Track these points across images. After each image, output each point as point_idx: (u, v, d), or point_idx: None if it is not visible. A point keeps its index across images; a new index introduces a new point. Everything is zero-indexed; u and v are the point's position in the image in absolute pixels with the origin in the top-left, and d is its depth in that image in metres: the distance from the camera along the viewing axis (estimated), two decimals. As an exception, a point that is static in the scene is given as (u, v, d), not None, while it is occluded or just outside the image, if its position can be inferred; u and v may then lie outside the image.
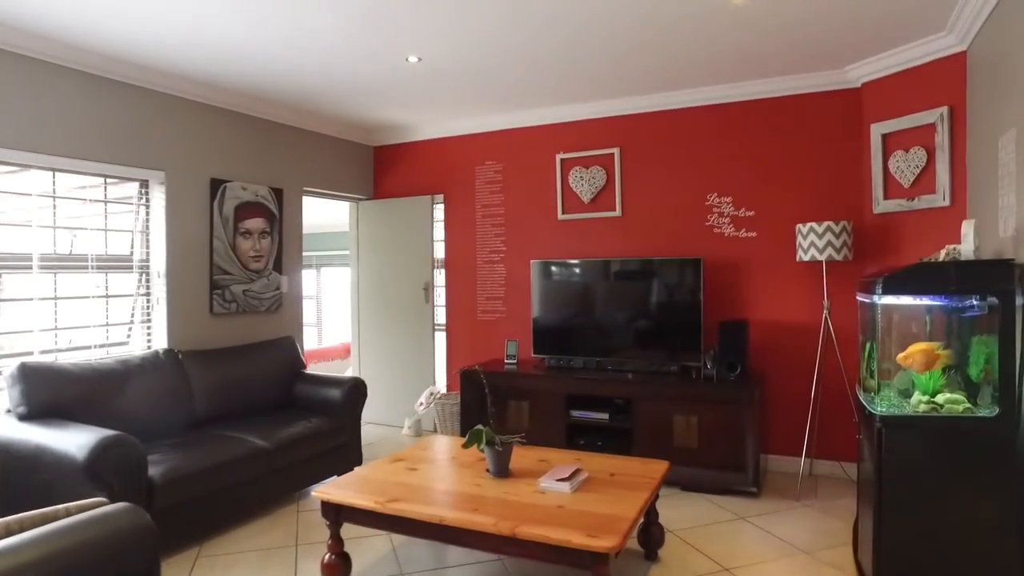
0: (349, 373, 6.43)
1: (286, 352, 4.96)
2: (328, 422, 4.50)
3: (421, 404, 2.82)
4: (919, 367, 2.73)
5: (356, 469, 3.58)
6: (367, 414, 5.88)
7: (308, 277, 11.24)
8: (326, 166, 5.86)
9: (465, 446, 3.09)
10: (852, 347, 4.43)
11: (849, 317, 4.43)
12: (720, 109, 4.84)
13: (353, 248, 6.37)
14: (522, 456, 3.43)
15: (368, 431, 5.98)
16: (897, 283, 2.74)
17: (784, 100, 4.67)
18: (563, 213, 5.42)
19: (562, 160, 5.41)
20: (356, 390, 4.70)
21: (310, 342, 11.09)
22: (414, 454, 3.59)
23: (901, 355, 2.78)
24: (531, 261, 5.29)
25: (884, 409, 2.75)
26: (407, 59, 4.15)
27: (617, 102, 5.12)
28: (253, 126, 5.15)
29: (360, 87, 4.74)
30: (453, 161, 5.91)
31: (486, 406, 5.13)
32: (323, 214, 8.53)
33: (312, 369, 10.01)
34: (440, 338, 6.01)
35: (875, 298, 2.81)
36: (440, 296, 6.04)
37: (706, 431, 4.33)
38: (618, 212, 5.19)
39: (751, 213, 4.76)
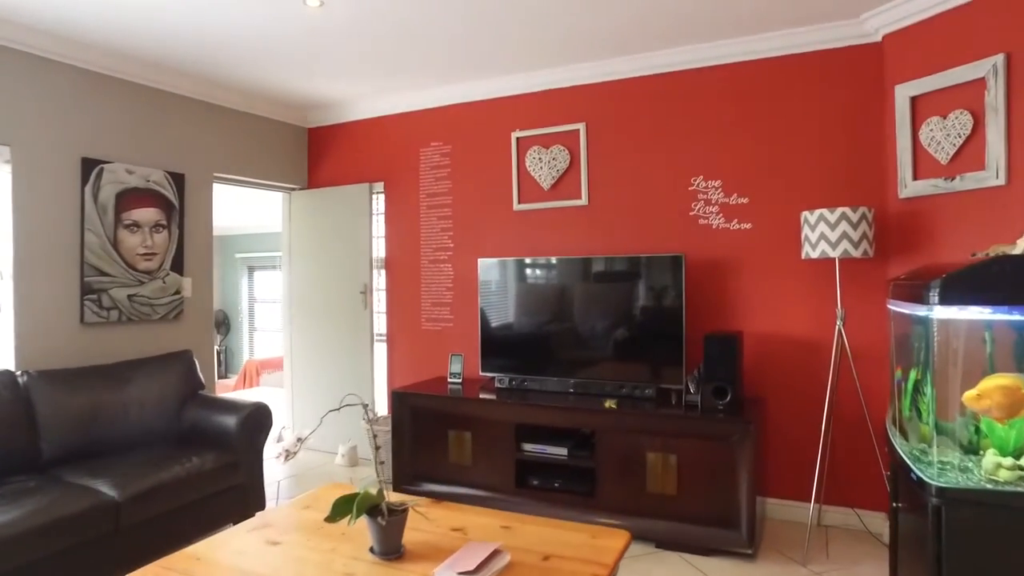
0: (287, 388, 5.46)
1: (180, 370, 3.99)
2: (219, 458, 3.51)
3: (280, 455, 2.02)
4: (1000, 412, 1.76)
5: (191, 548, 2.58)
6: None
7: (271, 279, 10.27)
8: (248, 149, 4.89)
9: (329, 519, 2.12)
10: (875, 366, 3.44)
11: (870, 329, 3.46)
12: (708, 73, 3.87)
13: (285, 246, 5.41)
14: (430, 522, 2.46)
15: (300, 459, 5.01)
16: (967, 287, 1.77)
17: (786, 60, 3.70)
18: (519, 202, 4.45)
19: (518, 139, 4.45)
20: (255, 418, 3.72)
21: (270, 352, 10.12)
22: (288, 517, 2.61)
23: (971, 394, 1.81)
24: (478, 260, 4.33)
25: (942, 478, 1.79)
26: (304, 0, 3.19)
27: (583, 68, 4.15)
28: (142, 97, 4.17)
29: (263, 44, 3.77)
30: (395, 143, 4.95)
31: (423, 435, 4.23)
32: (267, 211, 7.58)
33: (266, 381, 9.10)
34: (381, 350, 5.04)
35: (929, 309, 1.85)
36: (381, 301, 5.08)
37: (688, 473, 3.34)
38: (583, 200, 4.23)
39: (744, 200, 3.80)
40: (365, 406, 2.31)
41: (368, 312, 4.90)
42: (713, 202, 3.86)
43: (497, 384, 4.13)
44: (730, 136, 3.82)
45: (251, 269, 10.45)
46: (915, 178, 3.26)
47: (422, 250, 4.82)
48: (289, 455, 2.39)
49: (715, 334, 3.48)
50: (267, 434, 3.80)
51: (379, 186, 5.01)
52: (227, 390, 8.17)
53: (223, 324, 10.33)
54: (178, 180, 4.33)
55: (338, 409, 2.44)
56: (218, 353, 10.29)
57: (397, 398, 4.12)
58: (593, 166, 4.19)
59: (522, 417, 3.75)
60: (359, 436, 4.93)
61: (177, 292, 4.32)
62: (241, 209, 8.13)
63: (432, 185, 4.78)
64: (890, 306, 2.50)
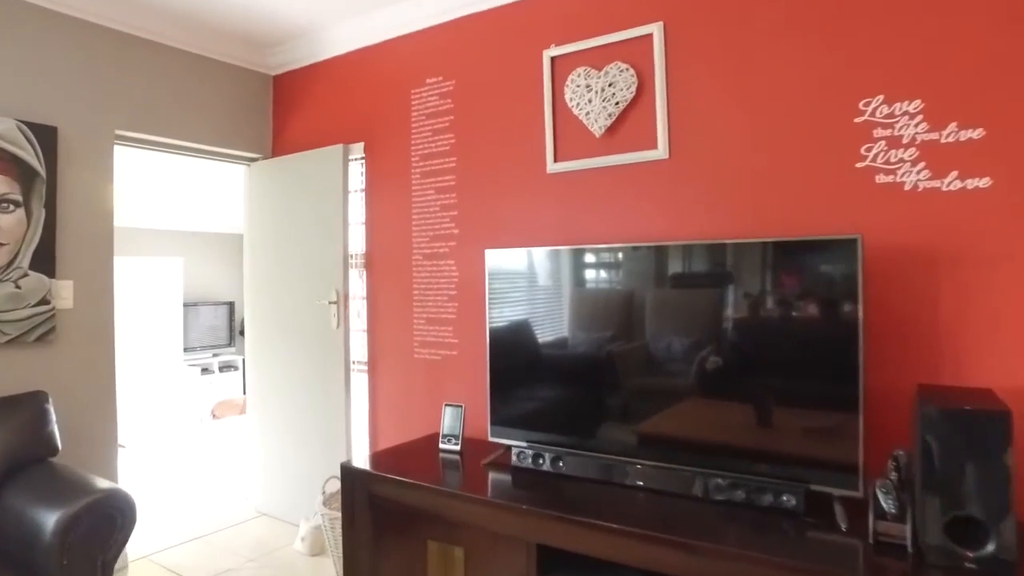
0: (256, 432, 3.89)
1: (15, 426, 2.45)
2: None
3: None
4: None
5: None
6: (262, 501, 3.44)
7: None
8: (183, 101, 3.34)
9: None
10: None
11: None
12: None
13: (246, 240, 3.85)
14: None
15: (256, 529, 3.42)
16: None
17: None
18: (556, 160, 2.70)
19: (554, 60, 2.70)
20: (92, 522, 2.10)
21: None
22: None
23: None
24: (491, 253, 2.62)
25: None
26: None
27: (660, -69, 2.40)
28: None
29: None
30: (378, 85, 3.28)
31: (388, 540, 2.49)
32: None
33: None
34: (362, 383, 3.40)
35: None
36: (362, 315, 3.44)
37: None
38: (661, 151, 2.44)
39: (974, 134, 1.94)
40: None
41: (342, 331, 3.27)
42: (906, 140, 2.01)
43: (515, 460, 2.38)
44: (940, 15, 1.98)
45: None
46: None
47: (414, 240, 3.15)
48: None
49: (940, 393, 1.65)
50: (119, 547, 2.19)
51: (357, 149, 3.36)
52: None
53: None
54: (45, 137, 2.81)
55: None
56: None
57: (349, 479, 2.44)
58: (677, 94, 2.42)
59: (549, 535, 1.97)
60: (330, 508, 3.30)
61: (44, 302, 2.80)
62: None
63: (428, 142, 3.10)
64: None
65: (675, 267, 2.15)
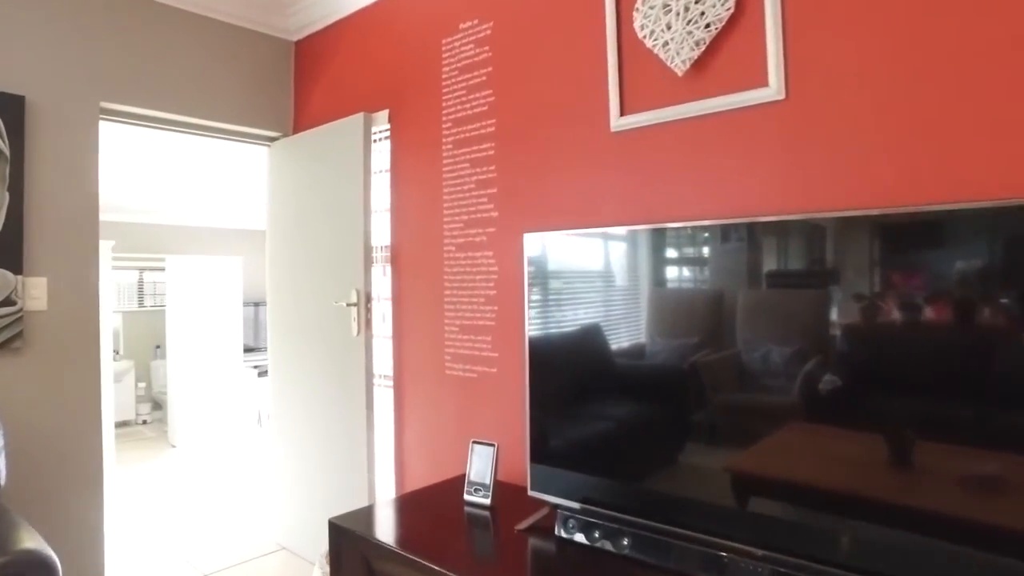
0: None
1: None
2: None
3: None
4: None
5: None
6: (282, 532, 2.90)
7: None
8: (187, 70, 2.82)
9: None
10: None
11: None
12: None
13: (268, 227, 3.31)
14: None
15: (272, 566, 2.88)
16: None
17: None
18: (623, 114, 1.95)
19: (620, -24, 2.00)
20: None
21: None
22: None
23: None
24: (525, 238, 1.91)
25: None
26: None
27: None
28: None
29: None
30: (404, 37, 2.63)
31: None
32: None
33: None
34: (388, 400, 2.77)
35: None
36: (388, 320, 2.81)
37: None
38: (774, 89, 1.65)
39: None
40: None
41: (363, 339, 2.66)
42: None
43: (560, 529, 1.67)
44: None
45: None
46: None
47: (446, 227, 2.49)
48: None
49: None
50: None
51: (381, 118, 2.75)
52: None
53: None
54: (9, 108, 2.33)
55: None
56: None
57: (339, 541, 1.80)
58: (797, 4, 1.65)
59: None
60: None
61: (8, 302, 2.32)
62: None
63: (462, 103, 2.43)
64: None
65: (798, 249, 1.39)
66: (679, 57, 1.79)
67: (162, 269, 6.77)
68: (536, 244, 1.84)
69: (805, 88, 1.60)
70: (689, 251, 1.57)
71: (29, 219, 2.37)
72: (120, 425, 6.42)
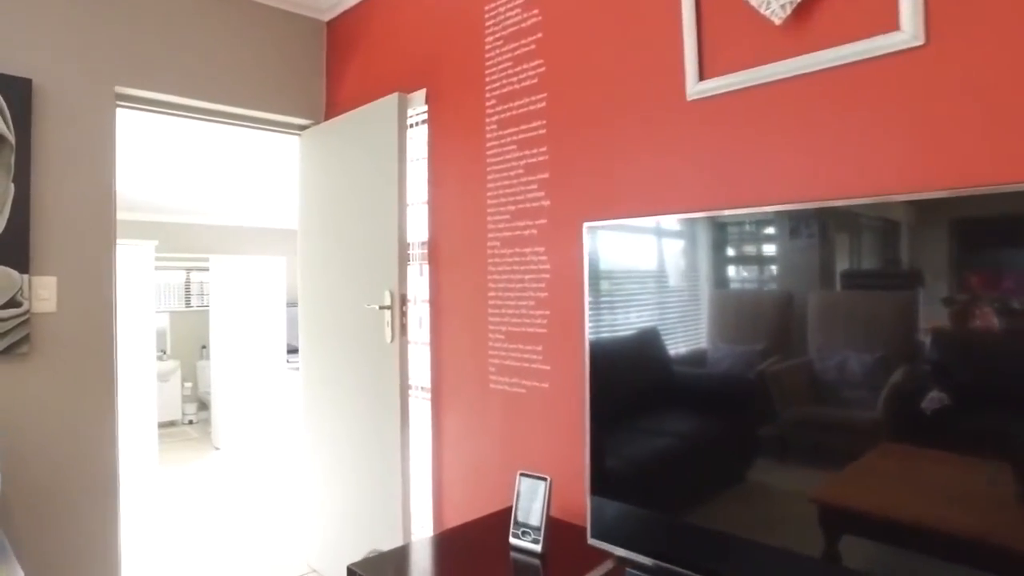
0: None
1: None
2: None
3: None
4: None
5: None
6: (314, 553, 2.72)
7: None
8: (210, 53, 2.57)
9: None
10: None
11: None
12: None
13: (299, 223, 3.05)
14: None
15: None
16: None
17: None
18: (703, 78, 1.58)
19: (700, -91, 1.64)
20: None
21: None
22: None
23: None
24: (584, 228, 1.56)
25: None
26: None
27: None
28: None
29: None
30: (441, 7, 2.29)
31: None
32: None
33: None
34: (425, 413, 2.46)
35: None
36: (424, 324, 2.50)
37: None
38: (909, 33, 1.26)
39: None
40: None
41: (397, 347, 2.36)
42: None
43: (629, 586, 1.34)
44: None
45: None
46: None
47: (490, 219, 2.16)
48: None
49: None
50: None
51: (418, 99, 2.44)
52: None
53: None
54: (15, 91, 2.12)
55: None
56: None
57: (360, 593, 1.51)
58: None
59: None
60: None
61: (14, 303, 2.11)
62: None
63: (508, 76, 2.09)
64: None
65: (960, 234, 1.01)
66: (776, 1, 1.43)
67: (208, 269, 6.67)
68: (597, 236, 1.50)
69: (952, 30, 1.21)
70: (797, 239, 1.21)
71: (37, 213, 2.15)
72: (166, 425, 6.34)
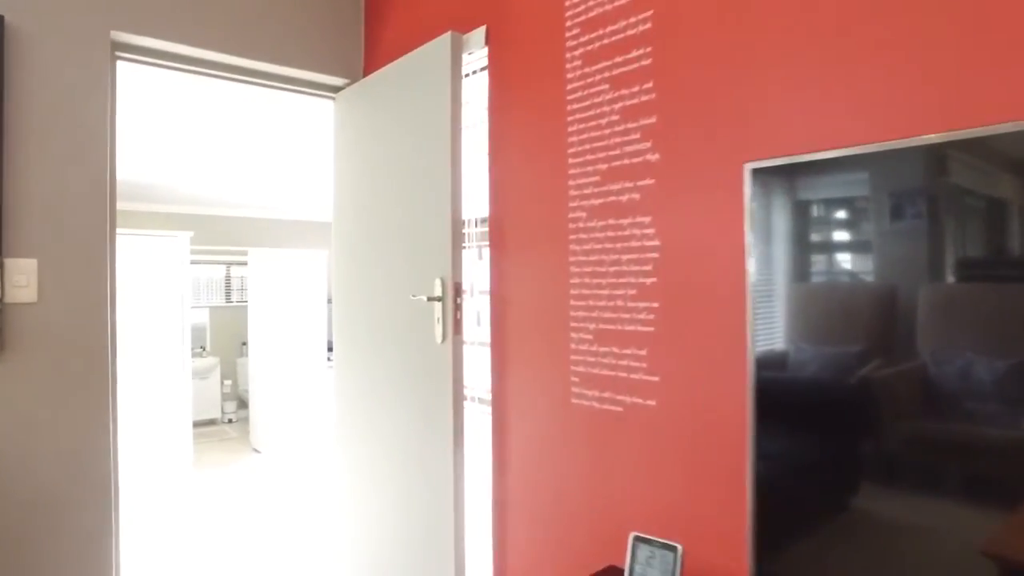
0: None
1: None
2: None
3: None
4: None
5: None
6: None
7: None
8: None
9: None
10: None
11: None
12: None
13: (334, 201, 2.58)
14: None
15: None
16: None
17: None
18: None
19: None
20: None
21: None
22: None
23: None
24: (747, 172, 1.04)
25: None
26: None
27: None
28: None
29: None
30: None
31: None
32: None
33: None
34: (482, 430, 1.96)
35: None
36: (483, 320, 2.00)
37: None
38: None
39: None
40: None
41: (449, 348, 1.86)
42: None
43: None
44: None
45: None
46: None
47: (571, 182, 1.63)
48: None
49: None
50: None
51: (475, 40, 1.93)
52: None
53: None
54: (-12, 29, 1.70)
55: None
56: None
57: None
58: None
59: None
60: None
61: (-16, 294, 1.69)
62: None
63: (597, -5, 1.59)
64: None
65: None
66: None
67: (247, 264, 6.33)
68: (774, 185, 0.97)
69: None
70: None
71: (12, 181, 1.73)
72: (205, 423, 6.02)
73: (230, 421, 6.28)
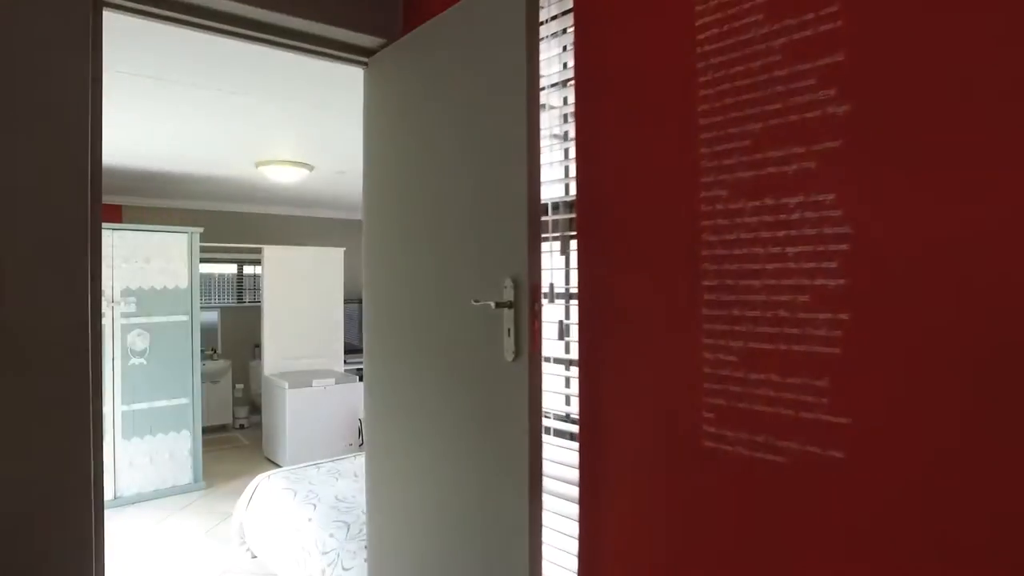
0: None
1: None
2: None
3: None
4: None
5: None
6: None
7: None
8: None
9: None
10: None
11: None
12: None
13: (364, 188, 2.15)
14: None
15: None
16: None
17: None
18: None
19: None
20: None
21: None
22: None
23: None
24: None
25: None
26: None
27: None
28: None
29: None
30: None
31: None
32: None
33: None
34: (567, 479, 1.55)
35: None
36: (570, 331, 1.59)
37: None
38: None
39: None
40: None
41: (524, 367, 1.45)
42: None
43: None
44: None
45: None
46: None
47: (704, 150, 1.19)
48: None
49: None
50: None
51: (559, -27, 1.52)
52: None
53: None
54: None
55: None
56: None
57: None
58: None
59: None
60: None
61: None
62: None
63: None
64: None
65: None
66: None
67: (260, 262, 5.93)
68: None
69: None
70: None
71: (-35, 156, 1.32)
72: (216, 429, 5.62)
73: (241, 427, 5.89)
